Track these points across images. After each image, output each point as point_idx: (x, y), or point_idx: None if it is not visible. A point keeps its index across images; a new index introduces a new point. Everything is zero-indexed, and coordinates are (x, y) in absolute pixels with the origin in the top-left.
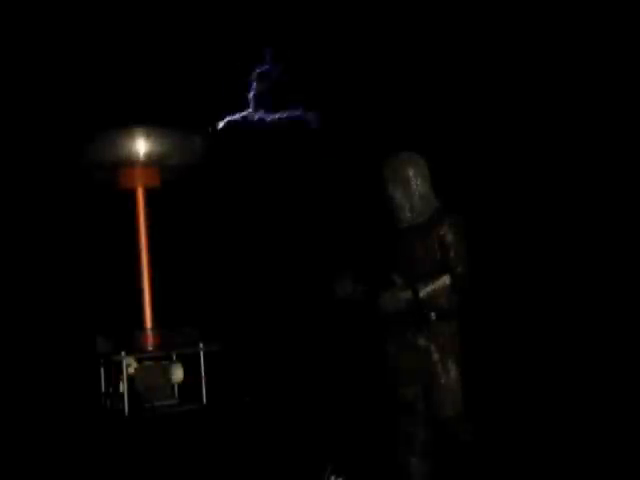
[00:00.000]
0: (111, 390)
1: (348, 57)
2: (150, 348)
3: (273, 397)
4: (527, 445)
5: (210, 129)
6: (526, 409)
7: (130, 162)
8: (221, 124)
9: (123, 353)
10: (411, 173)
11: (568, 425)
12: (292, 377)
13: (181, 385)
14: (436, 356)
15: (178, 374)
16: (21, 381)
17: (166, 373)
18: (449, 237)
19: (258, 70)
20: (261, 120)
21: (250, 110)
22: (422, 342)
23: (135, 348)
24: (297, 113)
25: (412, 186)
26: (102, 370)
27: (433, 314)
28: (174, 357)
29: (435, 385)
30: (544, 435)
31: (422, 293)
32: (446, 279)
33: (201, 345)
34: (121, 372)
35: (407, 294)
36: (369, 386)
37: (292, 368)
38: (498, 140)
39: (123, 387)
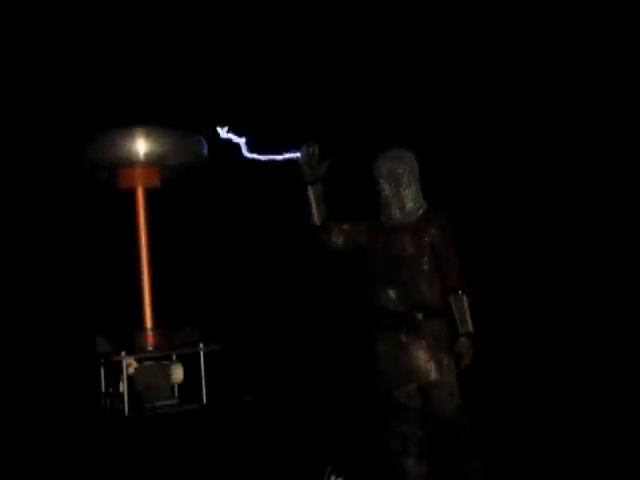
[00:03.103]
0: (111, 390)
1: (339, 54)
2: (150, 348)
3: (273, 397)
4: (526, 445)
5: (209, 130)
6: (524, 409)
7: (130, 162)
8: (220, 125)
9: (123, 353)
10: (402, 170)
11: (567, 424)
12: (292, 377)
13: (181, 385)
14: (429, 353)
15: (178, 374)
16: (21, 381)
17: (166, 373)
18: (440, 240)
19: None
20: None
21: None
22: (413, 341)
23: (135, 348)
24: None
25: (403, 183)
26: (102, 370)
27: (420, 314)
28: (174, 357)
29: (431, 383)
30: (543, 434)
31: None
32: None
33: (201, 345)
34: (121, 372)
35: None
36: (365, 386)
37: (292, 368)
38: (483, 137)
39: (123, 387)
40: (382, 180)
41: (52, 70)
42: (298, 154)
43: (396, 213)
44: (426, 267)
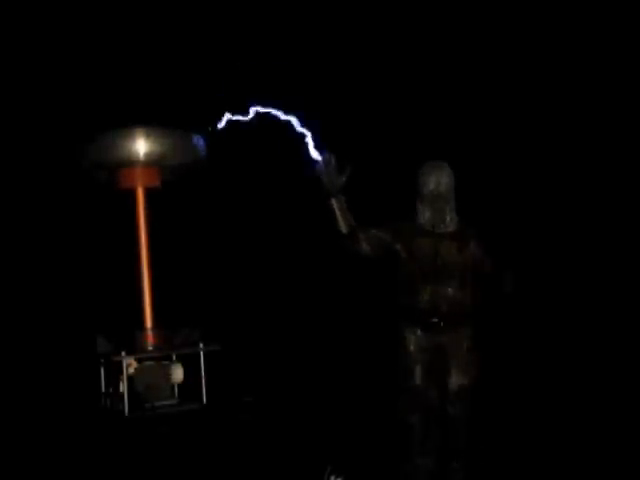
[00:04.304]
0: (111, 390)
1: (345, 56)
2: (150, 348)
3: (273, 397)
4: (525, 445)
5: (210, 129)
6: (526, 410)
7: (130, 162)
8: (221, 124)
9: (123, 353)
10: (452, 181)
11: (568, 426)
12: (292, 377)
13: (181, 385)
14: (467, 357)
15: (178, 374)
16: (21, 381)
17: (166, 373)
18: (479, 248)
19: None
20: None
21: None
22: (453, 343)
23: (135, 348)
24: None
25: (453, 196)
26: (102, 370)
27: (435, 319)
28: (174, 357)
29: (464, 385)
30: (543, 435)
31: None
32: None
33: (201, 345)
34: (121, 372)
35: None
36: (365, 386)
37: (292, 368)
38: (487, 143)
39: (123, 387)
40: (440, 193)
41: (52, 70)
42: (316, 168)
43: (444, 223)
44: (467, 275)
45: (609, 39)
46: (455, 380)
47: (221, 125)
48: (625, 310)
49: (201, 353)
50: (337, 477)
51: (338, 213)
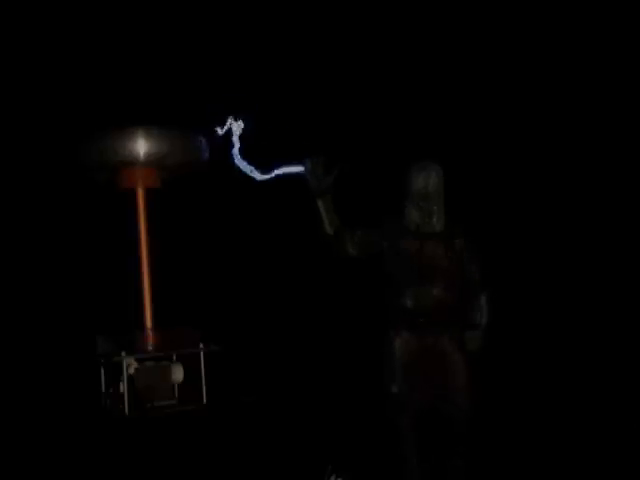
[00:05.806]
0: (111, 390)
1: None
2: (150, 348)
3: (274, 397)
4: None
5: (214, 130)
6: (526, 410)
7: (130, 162)
8: (222, 124)
9: (123, 353)
10: (442, 182)
11: (568, 426)
12: (292, 377)
13: (181, 385)
14: (456, 357)
15: (178, 374)
16: (21, 381)
17: (166, 373)
18: (466, 247)
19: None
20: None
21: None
22: (442, 344)
23: (135, 348)
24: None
25: (442, 197)
26: (102, 370)
27: (447, 318)
28: (174, 357)
29: (455, 386)
30: (543, 436)
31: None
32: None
33: (201, 345)
34: (121, 372)
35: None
36: (365, 387)
37: (293, 368)
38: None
39: (123, 387)
40: (429, 193)
41: (53, 70)
42: (303, 168)
43: (430, 224)
44: (454, 273)
45: (607, 39)
46: (444, 381)
47: (225, 129)
48: (617, 308)
49: (201, 353)
50: (337, 477)
51: (324, 214)
